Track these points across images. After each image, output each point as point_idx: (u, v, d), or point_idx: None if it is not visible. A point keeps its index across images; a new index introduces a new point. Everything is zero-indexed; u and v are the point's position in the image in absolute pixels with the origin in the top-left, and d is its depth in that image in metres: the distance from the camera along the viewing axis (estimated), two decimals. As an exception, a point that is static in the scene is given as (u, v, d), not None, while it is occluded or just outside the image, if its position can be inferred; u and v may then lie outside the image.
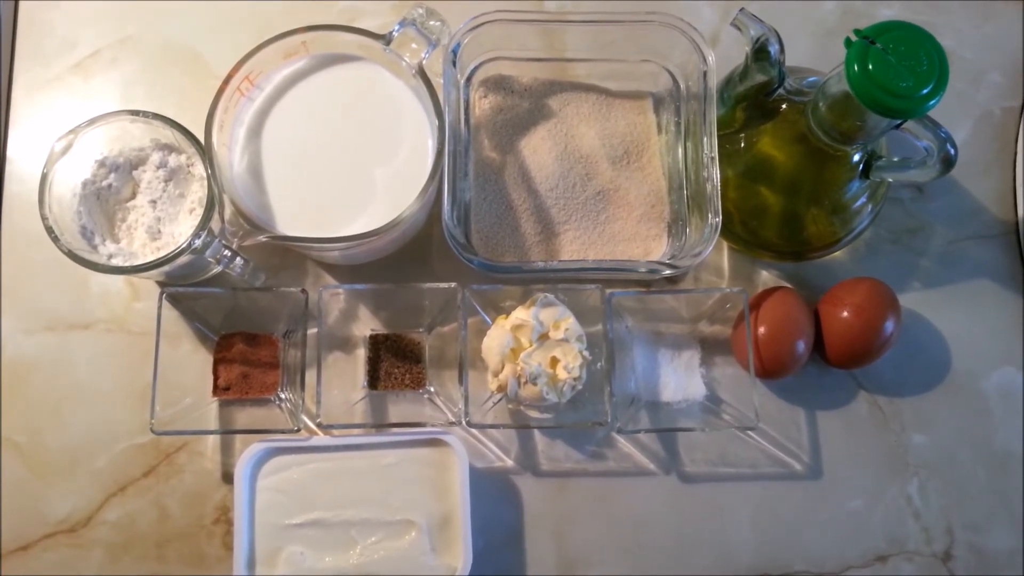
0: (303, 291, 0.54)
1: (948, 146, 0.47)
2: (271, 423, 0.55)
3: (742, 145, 0.56)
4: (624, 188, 0.59)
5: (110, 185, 0.53)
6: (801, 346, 0.54)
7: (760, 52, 0.50)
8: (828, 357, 0.56)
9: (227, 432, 0.56)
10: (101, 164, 0.52)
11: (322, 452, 0.53)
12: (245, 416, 0.56)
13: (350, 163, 0.52)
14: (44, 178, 0.50)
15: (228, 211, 0.51)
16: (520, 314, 0.53)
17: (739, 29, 0.51)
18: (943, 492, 0.57)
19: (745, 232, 0.58)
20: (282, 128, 0.52)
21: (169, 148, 0.54)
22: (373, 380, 0.56)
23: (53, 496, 0.55)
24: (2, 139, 0.60)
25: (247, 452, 0.52)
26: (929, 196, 0.61)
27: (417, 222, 0.56)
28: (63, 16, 0.62)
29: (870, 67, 0.43)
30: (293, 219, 0.51)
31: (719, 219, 0.52)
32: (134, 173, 0.53)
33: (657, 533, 0.56)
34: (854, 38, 0.44)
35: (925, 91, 0.43)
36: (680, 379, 0.57)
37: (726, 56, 0.56)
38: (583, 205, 0.58)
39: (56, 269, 0.55)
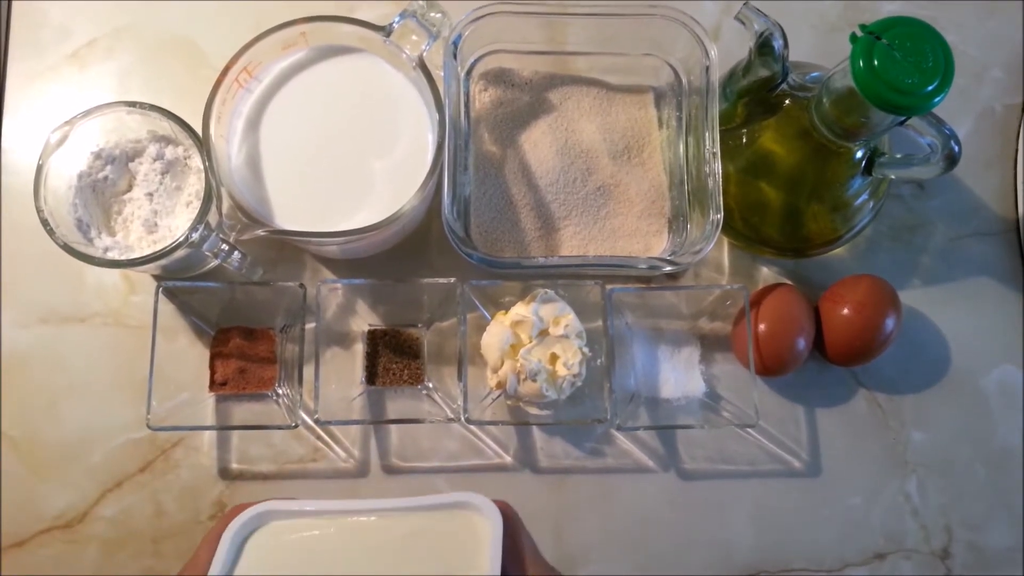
0: (301, 285, 0.54)
1: (952, 143, 0.47)
2: (268, 419, 0.54)
3: (744, 140, 0.55)
4: (625, 183, 0.58)
5: (106, 177, 0.52)
6: (801, 343, 0.54)
7: (764, 47, 0.50)
8: (828, 354, 0.56)
9: (224, 428, 0.56)
10: (97, 156, 0.52)
11: (324, 517, 0.41)
12: (242, 411, 0.56)
13: (349, 156, 0.51)
14: (39, 170, 0.49)
15: (226, 204, 0.51)
16: (520, 310, 0.52)
17: (743, 23, 0.50)
18: (942, 490, 0.57)
19: (746, 228, 0.57)
20: (281, 120, 0.52)
21: (166, 140, 0.53)
22: (371, 376, 0.56)
23: (48, 491, 0.55)
24: (-4, 130, 0.59)
25: (236, 520, 0.40)
26: (930, 193, 0.61)
27: (416, 216, 0.55)
28: (58, 5, 0.61)
29: (875, 63, 0.43)
30: (291, 213, 0.51)
31: (720, 215, 0.51)
32: (130, 165, 0.53)
33: (656, 530, 0.56)
34: (859, 33, 0.44)
35: (931, 88, 0.43)
36: (680, 376, 0.57)
37: (728, 50, 0.55)
38: (583, 200, 0.58)
39: (51, 262, 0.54)
